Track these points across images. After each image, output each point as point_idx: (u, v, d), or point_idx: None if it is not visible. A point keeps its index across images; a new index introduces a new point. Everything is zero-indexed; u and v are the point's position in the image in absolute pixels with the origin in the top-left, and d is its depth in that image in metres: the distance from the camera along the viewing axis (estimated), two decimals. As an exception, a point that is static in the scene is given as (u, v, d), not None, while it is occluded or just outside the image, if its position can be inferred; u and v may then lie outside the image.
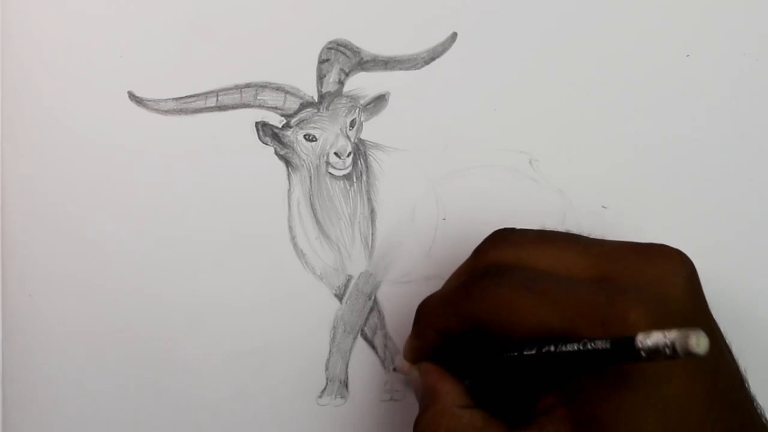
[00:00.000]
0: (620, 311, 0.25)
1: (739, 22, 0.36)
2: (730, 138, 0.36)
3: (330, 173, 0.36)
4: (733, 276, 0.36)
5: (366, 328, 0.37)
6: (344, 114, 0.36)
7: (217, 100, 0.36)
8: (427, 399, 0.29)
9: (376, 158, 0.36)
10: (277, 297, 0.36)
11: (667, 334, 0.22)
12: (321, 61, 0.36)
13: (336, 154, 0.36)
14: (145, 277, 0.36)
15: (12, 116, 0.35)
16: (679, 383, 0.25)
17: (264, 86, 0.36)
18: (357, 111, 0.36)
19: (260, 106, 0.36)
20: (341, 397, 0.36)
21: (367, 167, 0.36)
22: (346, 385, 0.37)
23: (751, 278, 0.36)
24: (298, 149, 0.36)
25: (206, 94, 0.36)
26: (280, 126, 0.36)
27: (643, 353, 0.23)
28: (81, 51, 0.35)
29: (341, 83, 0.36)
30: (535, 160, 0.36)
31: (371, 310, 0.37)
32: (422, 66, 0.36)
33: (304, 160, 0.36)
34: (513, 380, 0.28)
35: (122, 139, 0.35)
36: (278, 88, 0.36)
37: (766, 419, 0.27)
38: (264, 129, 0.36)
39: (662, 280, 0.26)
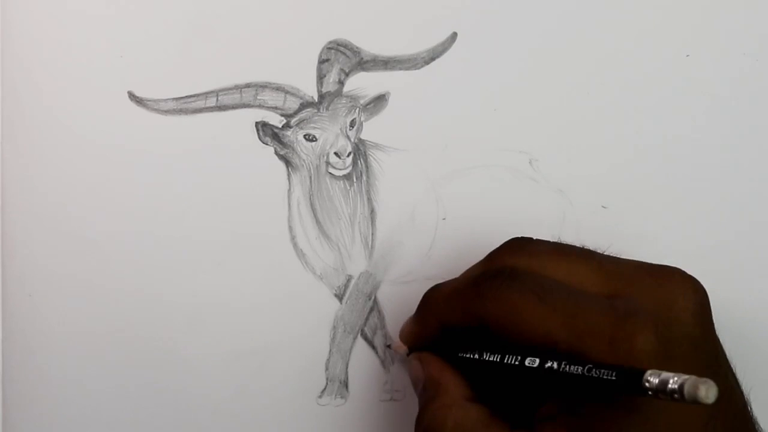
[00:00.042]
0: (628, 332, 0.25)
1: (739, 22, 0.36)
2: (730, 138, 0.36)
3: (330, 173, 0.36)
4: (734, 276, 0.36)
5: (366, 328, 0.37)
6: (344, 114, 0.36)
7: (217, 100, 0.36)
8: (431, 390, 0.29)
9: (376, 158, 0.36)
10: (277, 297, 0.36)
11: (676, 378, 0.22)
12: (321, 61, 0.36)
13: (336, 154, 0.36)
14: (145, 276, 0.36)
15: (12, 116, 0.35)
16: (682, 407, 0.25)
17: (264, 86, 0.36)
18: (357, 111, 0.36)
19: (260, 106, 0.36)
20: (341, 397, 0.36)
21: (367, 167, 0.36)
22: (346, 385, 0.37)
23: (751, 278, 0.36)
24: (298, 149, 0.36)
25: (206, 94, 0.36)
26: (280, 126, 0.36)
27: (649, 392, 0.23)
28: (81, 51, 0.35)
29: (341, 83, 0.36)
30: (535, 160, 0.36)
31: (371, 310, 0.37)
32: (422, 66, 0.36)
33: (304, 160, 0.36)
34: (512, 383, 0.28)
35: (122, 139, 0.35)
36: (278, 88, 0.36)
37: None
38: (264, 129, 0.36)
39: (673, 303, 0.26)
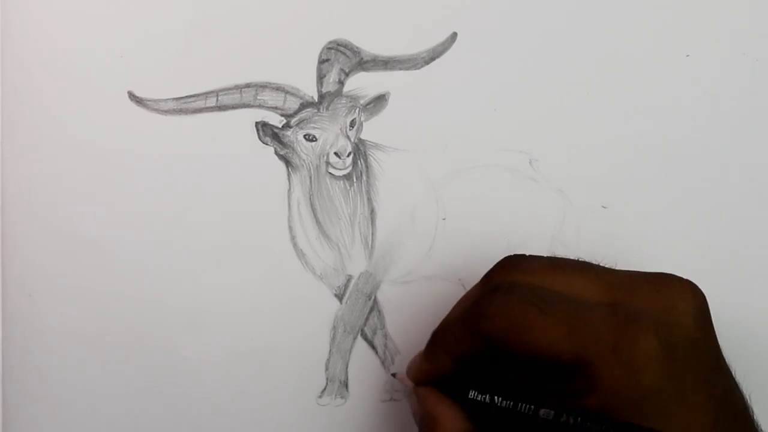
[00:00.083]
0: (631, 338, 0.25)
1: (739, 22, 0.36)
2: (730, 138, 0.36)
3: (330, 173, 0.36)
4: (734, 276, 0.36)
5: (366, 328, 0.37)
6: (344, 114, 0.36)
7: (217, 100, 0.36)
8: (427, 425, 0.29)
9: (376, 158, 0.36)
10: (278, 297, 0.36)
11: None
12: (321, 61, 0.36)
13: (336, 154, 0.36)
14: (144, 276, 0.36)
15: (12, 116, 0.35)
16: (686, 417, 0.25)
17: (264, 86, 0.36)
18: (357, 111, 0.36)
19: (260, 106, 0.36)
20: (341, 397, 0.36)
21: (367, 167, 0.36)
22: (346, 385, 0.37)
23: (751, 278, 0.36)
24: (298, 149, 0.36)
25: (206, 94, 0.36)
26: (280, 126, 0.36)
27: None
28: (81, 51, 0.35)
29: (341, 83, 0.36)
30: (535, 160, 0.36)
31: (371, 310, 0.37)
32: (422, 66, 0.36)
33: (304, 160, 0.36)
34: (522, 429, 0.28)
35: (122, 139, 0.35)
36: (278, 88, 0.36)
37: None
38: (264, 129, 0.36)
39: (673, 308, 0.26)
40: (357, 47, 0.36)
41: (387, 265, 0.37)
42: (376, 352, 0.37)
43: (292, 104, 0.36)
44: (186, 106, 0.35)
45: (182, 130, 0.36)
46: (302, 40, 0.36)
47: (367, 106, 0.36)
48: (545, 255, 0.29)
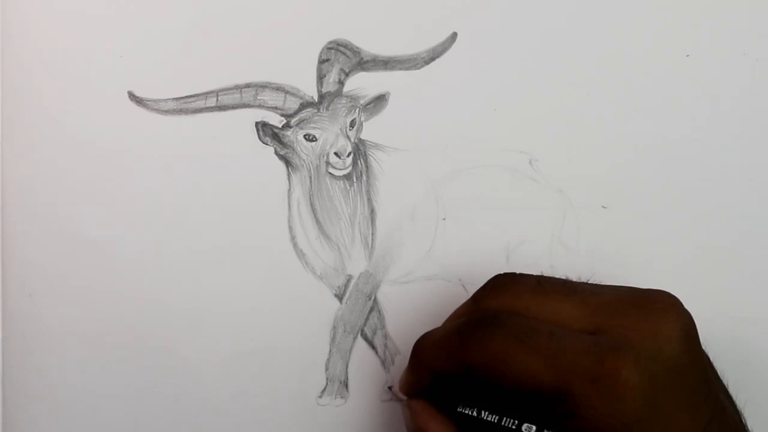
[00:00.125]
0: (612, 368, 0.25)
1: (739, 22, 0.36)
2: (730, 138, 0.36)
3: (330, 173, 0.36)
4: (734, 276, 0.36)
5: (366, 328, 0.37)
6: (344, 114, 0.36)
7: (217, 100, 0.36)
8: None
9: (376, 158, 0.36)
10: (277, 297, 0.36)
11: None
12: (321, 61, 0.36)
13: (336, 154, 0.36)
14: (144, 276, 0.36)
15: (12, 116, 0.35)
16: None
17: (264, 86, 0.36)
18: (357, 111, 0.36)
19: (260, 106, 0.36)
20: (341, 397, 0.36)
21: (367, 167, 0.36)
22: (346, 385, 0.37)
23: (751, 278, 0.36)
24: (298, 149, 0.36)
25: (206, 94, 0.36)
26: (280, 126, 0.36)
27: None
28: (81, 51, 0.35)
29: (341, 83, 0.36)
30: (535, 160, 0.36)
31: (371, 310, 0.37)
32: (422, 66, 0.36)
33: (304, 160, 0.36)
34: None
35: (122, 139, 0.35)
36: (278, 88, 0.36)
37: None
38: (264, 129, 0.36)
39: (658, 333, 0.26)
40: (357, 47, 0.36)
41: (387, 265, 0.37)
42: (376, 352, 0.37)
43: (292, 104, 0.36)
44: (186, 106, 0.35)
45: (182, 130, 0.36)
46: (302, 40, 0.36)
47: (367, 106, 0.36)
48: (534, 273, 0.30)
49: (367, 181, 0.36)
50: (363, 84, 0.36)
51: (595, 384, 0.25)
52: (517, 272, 0.30)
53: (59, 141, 0.35)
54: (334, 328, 0.36)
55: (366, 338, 0.37)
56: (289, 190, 0.36)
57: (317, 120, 0.36)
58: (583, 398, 0.25)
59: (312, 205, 0.36)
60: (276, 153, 0.36)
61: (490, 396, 0.28)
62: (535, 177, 0.36)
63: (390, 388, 0.36)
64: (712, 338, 0.30)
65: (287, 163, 0.36)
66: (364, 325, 0.37)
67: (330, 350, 0.36)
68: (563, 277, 0.30)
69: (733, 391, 0.29)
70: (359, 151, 0.36)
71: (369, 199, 0.36)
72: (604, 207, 0.36)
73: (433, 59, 0.36)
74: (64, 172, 0.35)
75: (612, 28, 0.36)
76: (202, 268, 0.36)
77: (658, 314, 0.27)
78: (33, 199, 0.36)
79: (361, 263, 0.36)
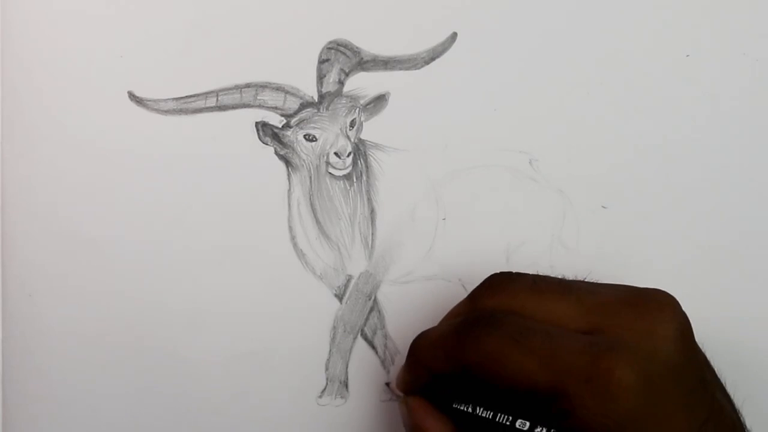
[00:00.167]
0: (605, 368, 0.25)
1: (739, 22, 0.36)
2: (730, 138, 0.36)
3: (330, 173, 0.36)
4: (733, 276, 0.36)
5: (366, 328, 0.37)
6: (344, 114, 0.36)
7: (217, 100, 0.36)
8: None
9: (376, 158, 0.36)
10: (278, 297, 0.36)
11: None
12: (321, 61, 0.36)
13: (336, 154, 0.36)
14: (144, 276, 0.36)
15: (12, 116, 0.35)
16: None
17: (264, 86, 0.36)
18: (357, 111, 0.36)
19: (260, 106, 0.36)
20: (341, 397, 0.36)
21: (367, 167, 0.36)
22: (346, 385, 0.37)
23: (751, 278, 0.36)
24: (298, 149, 0.36)
25: (206, 94, 0.36)
26: (280, 126, 0.36)
27: None
28: (81, 51, 0.35)
29: (341, 83, 0.36)
30: (535, 160, 0.36)
31: (371, 310, 0.37)
32: (422, 66, 0.36)
33: (304, 160, 0.36)
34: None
35: (122, 139, 0.35)
36: (278, 88, 0.36)
37: None
38: (264, 129, 0.36)
39: (653, 333, 0.26)
40: (357, 47, 0.36)
41: (387, 265, 0.37)
42: (376, 352, 0.37)
43: (292, 104, 0.36)
44: (186, 106, 0.35)
45: (182, 130, 0.36)
46: (302, 40, 0.36)
47: (367, 106, 0.36)
48: (531, 273, 0.30)
49: (367, 181, 0.36)
50: (363, 84, 0.36)
51: (590, 384, 0.25)
52: (514, 271, 0.30)
53: (59, 141, 0.35)
54: (334, 328, 0.36)
55: (366, 338, 0.37)
56: (289, 190, 0.36)
57: (317, 120, 0.36)
58: (578, 398, 0.25)
59: (312, 205, 0.36)
60: (276, 153, 0.36)
61: (486, 394, 0.28)
62: (535, 177, 0.36)
63: (387, 384, 0.36)
64: (712, 338, 0.30)
65: (287, 163, 0.36)
66: (364, 325, 0.37)
67: (330, 350, 0.36)
68: (560, 277, 0.30)
69: (731, 390, 0.29)
70: (359, 151, 0.36)
71: (369, 199, 0.36)
72: (604, 207, 0.36)
73: (433, 59, 0.36)
74: (64, 172, 0.35)
75: (612, 28, 0.36)
76: (202, 268, 0.36)
77: (654, 314, 0.27)
78: (33, 199, 0.36)
79: (361, 263, 0.36)
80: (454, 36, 0.36)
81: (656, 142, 0.36)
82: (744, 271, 0.36)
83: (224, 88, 0.35)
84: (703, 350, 0.29)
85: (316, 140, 0.36)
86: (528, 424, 0.27)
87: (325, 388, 0.36)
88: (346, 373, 0.36)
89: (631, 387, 0.25)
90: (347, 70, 0.36)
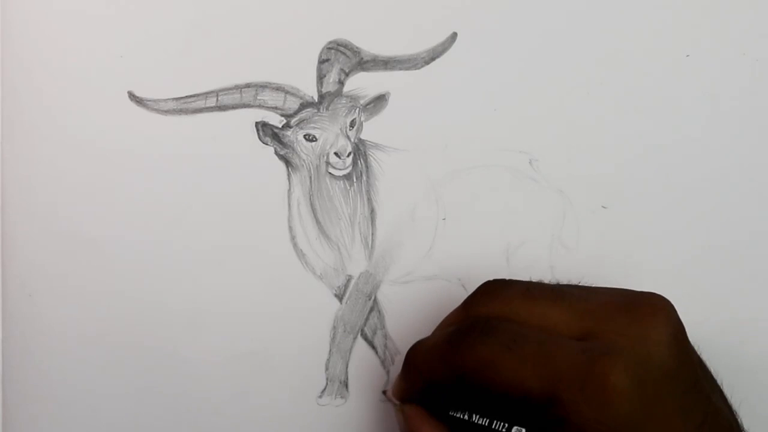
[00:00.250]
0: (600, 374, 0.25)
1: (739, 22, 0.36)
2: (730, 138, 0.36)
3: (330, 173, 0.36)
4: (733, 276, 0.36)
5: (366, 328, 0.37)
6: (344, 114, 0.36)
7: (217, 100, 0.36)
8: None
9: (376, 158, 0.36)
10: (278, 297, 0.36)
11: None
12: (321, 61, 0.36)
13: (336, 154, 0.36)
14: (144, 276, 0.36)
15: (12, 116, 0.35)
16: None
17: (264, 86, 0.36)
18: (357, 111, 0.36)
19: (260, 106, 0.36)
20: (341, 397, 0.36)
21: (367, 167, 0.36)
22: (346, 385, 0.37)
23: (750, 278, 0.36)
24: (298, 149, 0.36)
25: (206, 94, 0.36)
26: (280, 126, 0.36)
27: None
28: (81, 51, 0.35)
29: (341, 83, 0.36)
30: (535, 160, 0.36)
31: (371, 310, 0.37)
32: (422, 66, 0.36)
33: (304, 160, 0.36)
34: None
35: (122, 139, 0.35)
36: (278, 88, 0.36)
37: None
38: (264, 129, 0.36)
39: (646, 338, 0.26)
40: (357, 47, 0.36)
41: (387, 265, 0.37)
42: (376, 352, 0.37)
43: (292, 104, 0.36)
44: (186, 106, 0.35)
45: (182, 130, 0.36)
46: (302, 40, 0.36)
47: (367, 106, 0.36)
48: (524, 279, 0.30)
49: (367, 181, 0.36)
50: (363, 84, 0.36)
51: (584, 390, 0.25)
52: (507, 278, 0.30)
53: (59, 141, 0.35)
54: (334, 328, 0.36)
55: (366, 338, 0.37)
56: (289, 190, 0.36)
57: (317, 120, 0.36)
58: (572, 404, 0.25)
59: (312, 205, 0.36)
60: (276, 153, 0.36)
61: (482, 401, 0.28)
62: (535, 177, 0.36)
63: (384, 392, 0.36)
64: (711, 338, 0.30)
65: (287, 163, 0.36)
66: (364, 325, 0.37)
67: (330, 350, 0.36)
68: (555, 281, 0.30)
69: (729, 391, 0.29)
70: (359, 151, 0.36)
71: (369, 199, 0.36)
72: (604, 207, 0.36)
73: (433, 59, 0.36)
74: (64, 172, 0.35)
75: (612, 28, 0.36)
76: (202, 268, 0.36)
77: (647, 318, 0.27)
78: (33, 199, 0.36)
79: (361, 263, 0.36)
80: (454, 36, 0.36)
81: (656, 142, 0.36)
82: (744, 271, 0.36)
83: (224, 88, 0.35)
84: (700, 352, 0.29)
85: (316, 140, 0.36)
86: (524, 430, 0.27)
87: (325, 388, 0.36)
88: (346, 373, 0.36)
89: (626, 392, 0.25)
90: (347, 70, 0.36)
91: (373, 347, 0.37)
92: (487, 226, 0.36)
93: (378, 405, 0.37)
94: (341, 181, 0.36)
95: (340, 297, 0.36)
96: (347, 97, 0.36)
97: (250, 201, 0.36)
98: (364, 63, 0.36)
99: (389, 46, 0.36)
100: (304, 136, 0.36)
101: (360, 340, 0.37)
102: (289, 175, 0.36)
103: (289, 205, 0.36)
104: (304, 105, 0.36)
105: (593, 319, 0.27)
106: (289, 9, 0.36)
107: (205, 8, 0.35)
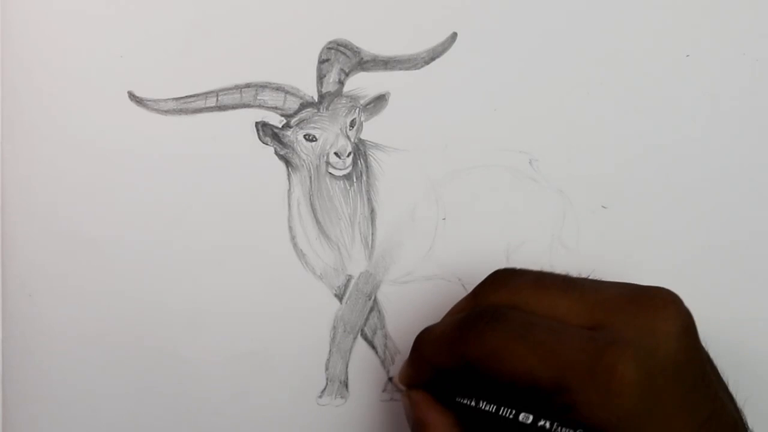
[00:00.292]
0: (608, 363, 0.25)
1: (739, 22, 0.36)
2: (730, 138, 0.36)
3: (330, 173, 0.36)
4: (734, 276, 0.36)
5: (366, 328, 0.37)
6: (344, 114, 0.36)
7: (217, 100, 0.36)
8: (418, 430, 0.30)
9: (376, 158, 0.36)
10: (278, 297, 0.36)
11: None
12: (321, 61, 0.36)
13: (336, 154, 0.36)
14: (144, 276, 0.36)
15: (12, 116, 0.35)
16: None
17: (264, 86, 0.36)
18: (357, 111, 0.36)
19: (260, 106, 0.36)
20: (341, 397, 0.36)
21: (367, 167, 0.36)
22: (346, 385, 0.37)
23: (751, 278, 0.36)
24: (298, 149, 0.36)
25: (206, 94, 0.36)
26: (280, 126, 0.36)
27: None
28: (81, 51, 0.35)
29: (341, 83, 0.36)
30: (535, 160, 0.36)
31: (371, 310, 0.37)
32: (422, 66, 0.36)
33: (304, 160, 0.36)
34: None
35: (122, 139, 0.35)
36: (278, 88, 0.36)
37: None
38: (264, 129, 0.36)
39: (656, 330, 0.26)
40: (357, 47, 0.36)
41: (387, 265, 0.37)
42: (376, 352, 0.37)
43: (292, 104, 0.36)
44: (186, 106, 0.35)
45: (182, 130, 0.36)
46: (302, 40, 0.36)
47: (367, 106, 0.36)
48: (534, 269, 0.30)
49: (367, 181, 0.36)
50: (363, 84, 0.36)
51: (592, 379, 0.25)
52: (517, 267, 0.30)
53: (59, 141, 0.35)
54: (334, 328, 0.36)
55: (366, 338, 0.37)
56: (289, 190, 0.36)
57: (317, 120, 0.36)
58: (580, 393, 0.25)
59: (312, 205, 0.36)
60: (276, 153, 0.36)
61: (489, 388, 0.28)
62: (535, 177, 0.36)
63: (390, 379, 0.36)
64: (712, 338, 0.30)
65: (287, 163, 0.36)
66: (364, 325, 0.37)
67: (330, 350, 0.36)
68: (565, 273, 0.30)
69: (732, 389, 0.29)
70: (359, 151, 0.36)
71: (369, 199, 0.36)
72: (604, 207, 0.36)
73: (433, 59, 0.36)
74: (64, 172, 0.35)
75: (612, 28, 0.36)
76: (202, 268, 0.36)
77: (657, 311, 0.27)
78: (33, 199, 0.36)
79: (361, 263, 0.36)
80: (454, 36, 0.36)
81: (656, 142, 0.36)
82: (744, 271, 0.36)
83: (224, 88, 0.35)
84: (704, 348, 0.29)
85: (316, 140, 0.36)
86: (531, 417, 0.27)
87: (325, 388, 0.36)
88: (346, 373, 0.36)
89: (633, 382, 0.25)
90: (347, 70, 0.36)
91: (373, 347, 0.37)
92: (487, 226, 0.36)
93: (378, 405, 0.37)
94: (341, 181, 0.36)
95: (340, 297, 0.36)
96: (347, 97, 0.36)
97: (250, 201, 0.36)
98: (364, 63, 0.36)
99: (389, 46, 0.36)
100: (304, 136, 0.36)
101: (360, 340, 0.37)
102: (289, 175, 0.36)
103: (289, 205, 0.36)
104: (304, 105, 0.36)
105: (603, 310, 0.27)
106: (289, 9, 0.36)
107: (205, 8, 0.35)
